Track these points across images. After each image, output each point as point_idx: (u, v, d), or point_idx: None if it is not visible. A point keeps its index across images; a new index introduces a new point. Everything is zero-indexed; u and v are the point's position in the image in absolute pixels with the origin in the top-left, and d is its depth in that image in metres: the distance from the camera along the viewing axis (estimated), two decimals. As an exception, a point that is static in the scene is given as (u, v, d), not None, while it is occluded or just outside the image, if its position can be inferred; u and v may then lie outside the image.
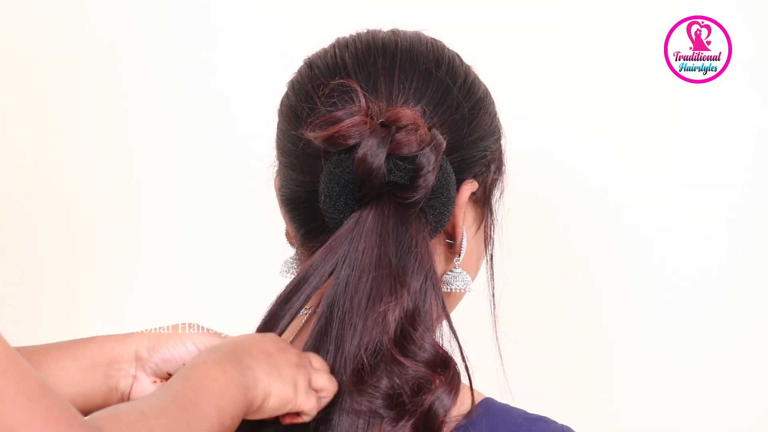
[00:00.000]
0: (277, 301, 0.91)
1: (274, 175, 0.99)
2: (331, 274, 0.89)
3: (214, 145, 1.68)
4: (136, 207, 1.69)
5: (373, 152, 0.86)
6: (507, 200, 0.99)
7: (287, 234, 1.00)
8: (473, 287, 0.96)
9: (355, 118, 0.87)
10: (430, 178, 0.87)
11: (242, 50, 1.67)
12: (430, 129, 0.89)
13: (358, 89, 0.89)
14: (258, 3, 1.66)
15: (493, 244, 0.99)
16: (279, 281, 0.94)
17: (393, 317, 0.85)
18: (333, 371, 0.86)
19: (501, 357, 0.97)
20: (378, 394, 0.85)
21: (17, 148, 1.69)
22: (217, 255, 1.68)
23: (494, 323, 0.99)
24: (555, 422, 0.92)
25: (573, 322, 1.62)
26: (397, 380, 0.85)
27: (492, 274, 1.01)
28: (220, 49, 1.68)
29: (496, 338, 0.98)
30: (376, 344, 0.85)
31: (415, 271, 0.87)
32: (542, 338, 1.60)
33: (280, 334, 0.90)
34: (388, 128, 0.87)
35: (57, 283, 1.70)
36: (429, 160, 0.87)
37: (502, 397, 0.95)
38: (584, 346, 1.61)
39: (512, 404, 0.94)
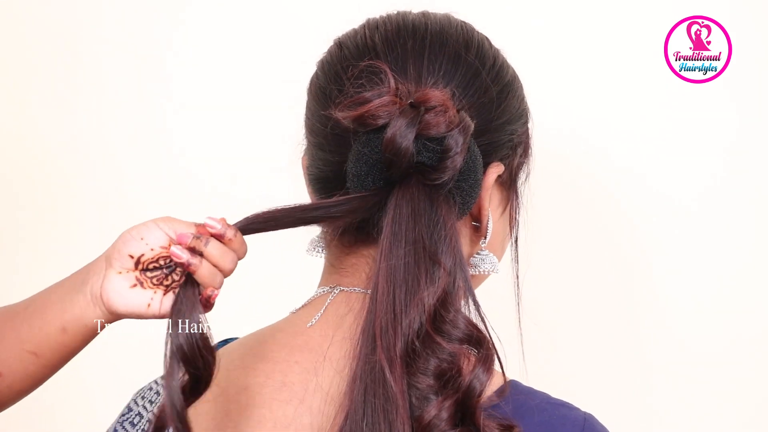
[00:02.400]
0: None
1: (302, 153, 0.99)
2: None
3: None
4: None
5: (402, 132, 0.86)
6: (532, 182, 1.00)
7: None
8: (498, 269, 0.97)
9: (385, 98, 0.88)
10: (458, 160, 0.88)
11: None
12: (458, 111, 0.89)
13: (388, 70, 0.89)
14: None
15: (518, 227, 1.00)
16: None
17: (431, 300, 0.85)
18: (392, 354, 0.84)
19: (522, 338, 0.97)
20: (430, 374, 0.85)
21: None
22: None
23: (518, 305, 1.00)
24: (578, 409, 0.92)
25: (597, 305, 1.61)
26: (441, 360, 0.85)
27: (516, 256, 1.02)
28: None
29: (519, 319, 0.99)
30: (419, 326, 0.85)
31: (446, 252, 0.87)
32: (565, 321, 1.59)
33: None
34: (417, 109, 0.87)
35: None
36: (457, 142, 0.88)
37: (522, 380, 0.95)
38: (608, 330, 1.60)
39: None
